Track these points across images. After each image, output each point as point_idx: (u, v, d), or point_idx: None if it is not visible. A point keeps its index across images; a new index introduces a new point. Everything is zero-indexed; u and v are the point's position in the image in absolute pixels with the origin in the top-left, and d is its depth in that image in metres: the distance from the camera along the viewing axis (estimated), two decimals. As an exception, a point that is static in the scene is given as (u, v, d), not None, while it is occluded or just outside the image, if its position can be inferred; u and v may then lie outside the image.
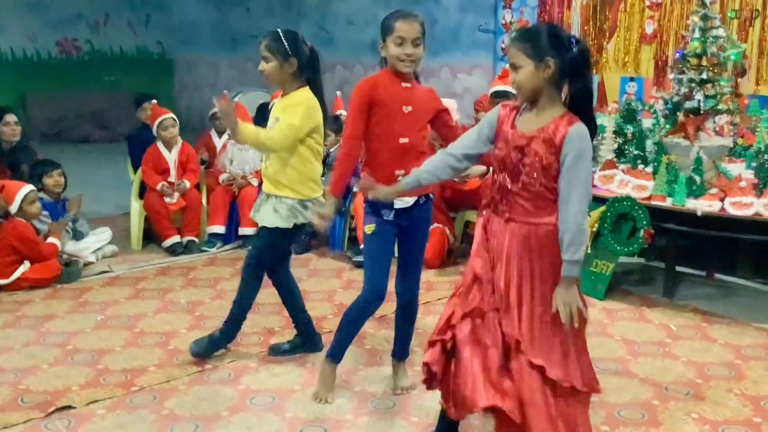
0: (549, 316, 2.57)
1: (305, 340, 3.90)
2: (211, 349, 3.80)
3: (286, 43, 3.51)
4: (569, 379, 2.58)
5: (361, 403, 3.36)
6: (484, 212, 2.75)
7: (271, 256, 3.75)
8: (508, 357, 2.61)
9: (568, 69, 2.53)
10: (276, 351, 3.89)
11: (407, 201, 3.19)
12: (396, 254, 3.38)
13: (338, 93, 6.54)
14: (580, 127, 2.51)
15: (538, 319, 2.58)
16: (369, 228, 3.24)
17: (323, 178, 5.83)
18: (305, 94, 3.56)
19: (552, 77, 2.53)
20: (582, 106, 2.57)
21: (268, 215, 3.60)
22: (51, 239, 5.13)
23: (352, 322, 3.37)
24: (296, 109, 3.49)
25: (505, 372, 2.60)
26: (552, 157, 2.52)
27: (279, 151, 3.50)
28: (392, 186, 2.92)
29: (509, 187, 2.61)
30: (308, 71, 3.59)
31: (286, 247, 3.82)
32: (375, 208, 3.21)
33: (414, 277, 3.41)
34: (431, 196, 3.32)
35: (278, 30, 3.56)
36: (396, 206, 3.17)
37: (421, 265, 3.43)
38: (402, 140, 3.16)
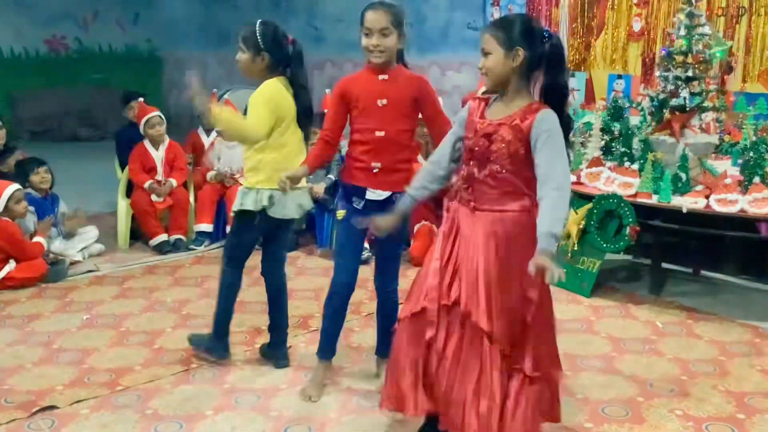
0: (511, 304, 2.61)
1: (271, 351, 3.80)
2: (205, 346, 3.78)
3: (259, 38, 3.44)
4: (520, 362, 2.63)
5: (347, 401, 3.35)
6: (451, 202, 2.78)
7: (233, 244, 3.71)
8: (472, 344, 2.63)
9: (539, 62, 2.58)
10: (261, 351, 3.85)
11: (380, 194, 3.20)
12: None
13: (327, 91, 6.51)
14: (546, 112, 2.55)
15: (505, 310, 2.61)
16: (340, 213, 3.29)
17: (311, 176, 5.87)
18: (269, 84, 3.46)
19: (520, 67, 2.57)
20: (555, 101, 2.60)
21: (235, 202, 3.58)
22: (37, 238, 5.11)
23: (326, 313, 3.39)
24: (258, 99, 3.41)
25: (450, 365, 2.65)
26: (519, 143, 2.56)
27: (257, 140, 3.41)
28: (393, 214, 2.91)
29: (476, 175, 2.65)
30: (286, 67, 3.51)
31: (249, 237, 3.67)
32: (347, 194, 3.25)
33: (389, 275, 3.41)
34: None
35: (256, 22, 3.49)
36: (368, 196, 3.20)
37: (395, 263, 3.44)
38: (378, 134, 3.16)
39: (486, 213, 2.63)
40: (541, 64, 2.58)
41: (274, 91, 3.44)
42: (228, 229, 5.84)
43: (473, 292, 2.61)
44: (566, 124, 2.62)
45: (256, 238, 3.72)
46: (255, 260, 3.79)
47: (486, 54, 2.60)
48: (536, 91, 2.66)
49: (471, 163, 2.68)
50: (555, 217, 2.45)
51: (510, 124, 2.57)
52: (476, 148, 2.64)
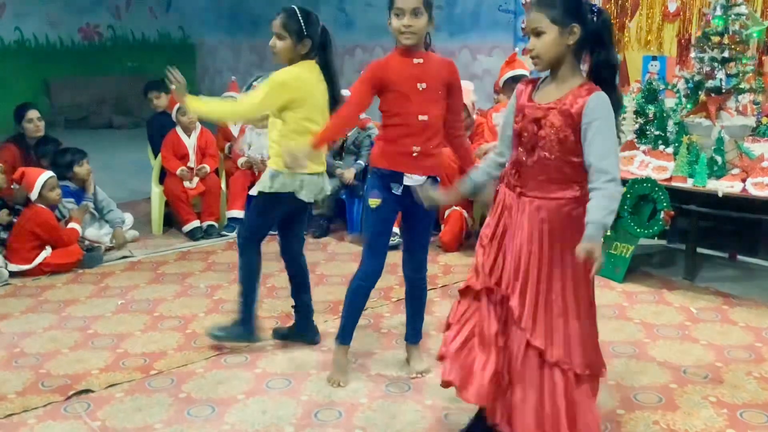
0: (554, 296, 2.53)
1: (301, 330, 3.83)
2: (232, 334, 3.73)
3: (302, 23, 3.44)
4: (569, 360, 2.52)
5: (376, 387, 3.36)
6: (499, 186, 2.72)
7: (258, 225, 3.66)
8: (507, 333, 2.60)
9: (590, 39, 2.46)
10: (277, 334, 3.87)
11: (417, 178, 3.17)
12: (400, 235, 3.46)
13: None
14: (599, 95, 2.42)
15: (543, 298, 2.53)
16: (374, 202, 3.23)
17: (341, 162, 5.88)
18: (292, 68, 3.46)
19: (575, 45, 2.45)
20: (605, 79, 2.48)
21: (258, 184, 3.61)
22: (72, 225, 5.19)
23: (351, 300, 3.38)
24: (269, 82, 3.42)
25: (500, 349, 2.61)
26: (569, 129, 2.44)
27: (248, 116, 3.77)
28: (453, 190, 2.87)
29: (524, 160, 2.55)
30: (320, 53, 3.51)
31: (274, 218, 3.67)
32: (384, 181, 3.21)
33: (419, 258, 3.39)
34: (438, 179, 3.28)
35: (294, 7, 3.48)
36: (405, 182, 3.17)
37: (426, 246, 3.42)
38: (421, 117, 3.12)
39: (531, 199, 2.53)
40: (590, 40, 2.46)
41: (294, 76, 3.42)
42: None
43: (514, 278, 2.56)
44: (616, 104, 2.49)
45: (275, 221, 3.71)
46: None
47: (537, 34, 2.46)
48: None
49: (519, 148, 2.58)
50: (608, 209, 2.35)
51: (560, 108, 2.45)
52: (525, 134, 2.54)
